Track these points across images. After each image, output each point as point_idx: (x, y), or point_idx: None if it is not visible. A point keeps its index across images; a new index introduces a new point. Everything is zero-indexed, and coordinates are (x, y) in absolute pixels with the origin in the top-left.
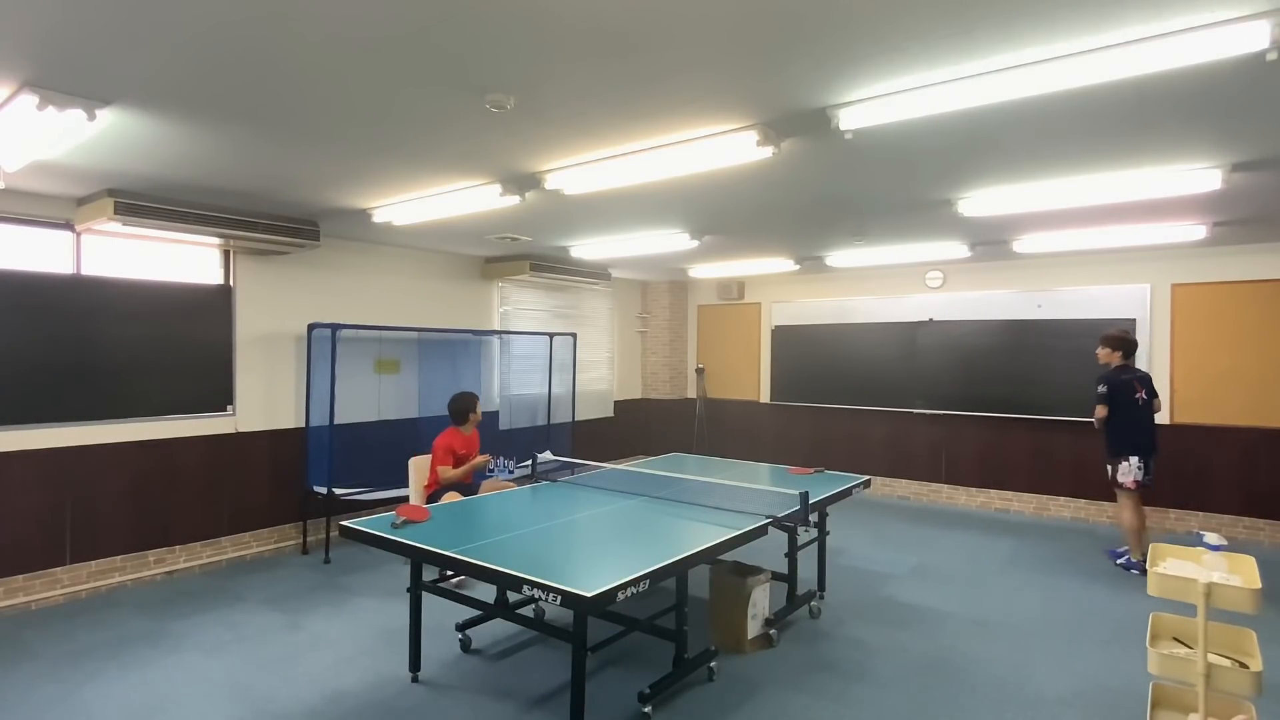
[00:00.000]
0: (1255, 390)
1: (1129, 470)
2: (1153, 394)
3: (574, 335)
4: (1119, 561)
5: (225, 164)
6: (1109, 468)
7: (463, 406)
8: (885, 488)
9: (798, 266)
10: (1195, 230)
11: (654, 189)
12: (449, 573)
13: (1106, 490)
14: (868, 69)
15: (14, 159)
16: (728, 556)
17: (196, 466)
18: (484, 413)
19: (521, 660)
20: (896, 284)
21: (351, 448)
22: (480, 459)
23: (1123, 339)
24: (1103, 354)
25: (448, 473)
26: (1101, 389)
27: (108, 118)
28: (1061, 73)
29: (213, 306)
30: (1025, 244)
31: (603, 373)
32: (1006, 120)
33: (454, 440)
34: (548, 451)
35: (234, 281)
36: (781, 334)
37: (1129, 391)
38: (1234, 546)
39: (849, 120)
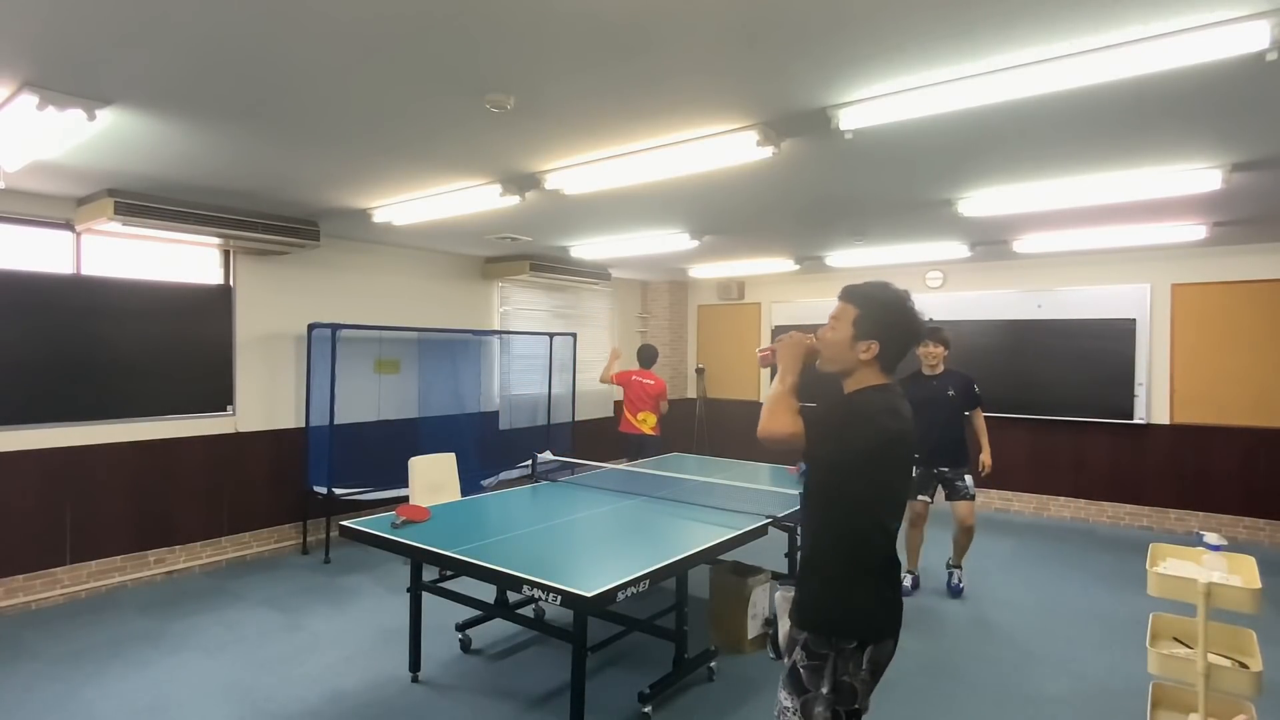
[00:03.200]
0: (1255, 390)
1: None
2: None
3: (574, 335)
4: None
5: (225, 164)
6: (968, 478)
7: (655, 354)
8: None
9: (798, 266)
10: (1195, 230)
11: (654, 189)
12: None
13: (1107, 490)
14: (868, 69)
15: (14, 159)
16: (728, 556)
17: (196, 466)
18: (484, 413)
19: (521, 660)
20: (896, 284)
21: (351, 448)
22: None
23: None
24: (941, 352)
25: (664, 406)
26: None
27: (108, 118)
28: (1061, 73)
29: (213, 306)
30: (1025, 244)
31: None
32: (1006, 120)
33: None
34: (548, 451)
35: (234, 281)
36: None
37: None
38: (1234, 546)
39: (849, 120)
